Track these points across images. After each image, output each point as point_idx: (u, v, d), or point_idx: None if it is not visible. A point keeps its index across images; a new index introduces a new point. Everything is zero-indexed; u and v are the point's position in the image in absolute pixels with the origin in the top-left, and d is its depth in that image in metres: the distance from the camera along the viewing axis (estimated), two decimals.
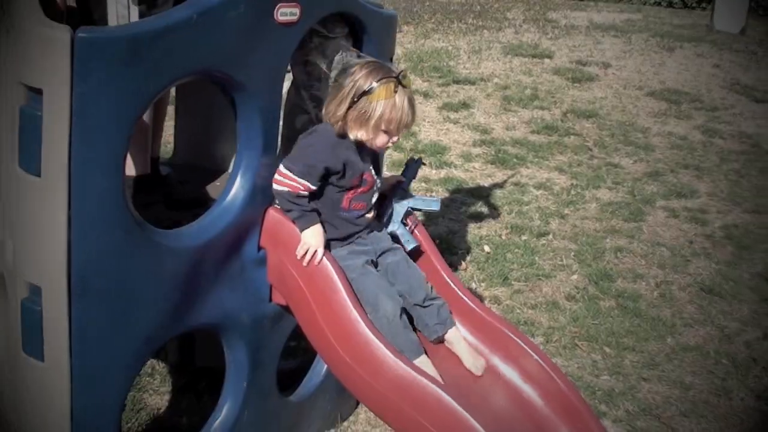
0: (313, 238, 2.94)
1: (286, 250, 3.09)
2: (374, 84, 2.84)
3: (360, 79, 2.87)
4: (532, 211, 6.71)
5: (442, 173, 7.30)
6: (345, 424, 4.01)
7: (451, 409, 2.97)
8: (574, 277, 5.72)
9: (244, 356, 3.19)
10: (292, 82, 3.58)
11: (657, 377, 4.67)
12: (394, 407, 3.09)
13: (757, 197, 7.44)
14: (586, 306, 5.32)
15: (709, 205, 7.22)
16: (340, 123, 2.93)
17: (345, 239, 3.09)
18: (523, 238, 6.23)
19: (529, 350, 3.57)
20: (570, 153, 8.09)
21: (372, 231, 3.18)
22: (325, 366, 3.68)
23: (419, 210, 3.39)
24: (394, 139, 2.98)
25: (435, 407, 2.99)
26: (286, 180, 2.91)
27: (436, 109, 9.25)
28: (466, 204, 6.77)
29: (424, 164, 3.60)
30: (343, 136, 2.96)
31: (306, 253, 2.92)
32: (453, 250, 5.89)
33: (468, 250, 6.00)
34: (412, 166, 3.41)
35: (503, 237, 6.25)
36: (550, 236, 6.32)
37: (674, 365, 4.80)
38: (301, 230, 2.94)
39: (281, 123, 3.29)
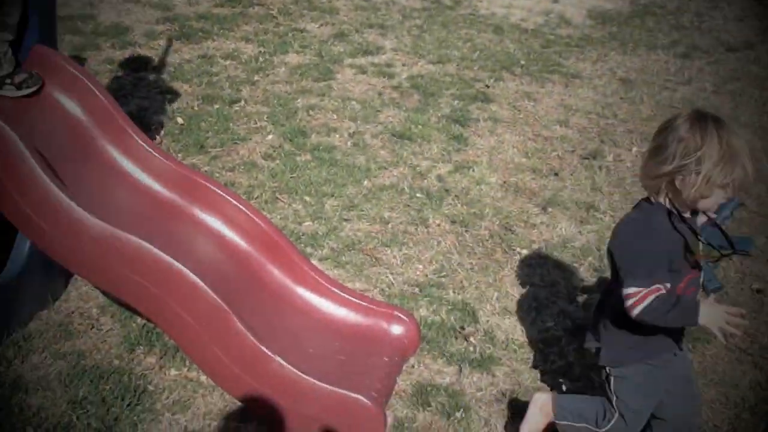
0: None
1: None
2: None
3: None
4: (222, 81, 6.53)
5: (127, 53, 6.89)
6: (57, 303, 3.75)
7: (155, 258, 2.93)
8: (270, 137, 5.67)
9: None
10: None
11: (357, 216, 4.77)
12: (100, 265, 3.02)
13: (440, 49, 7.72)
14: (283, 162, 5.30)
15: (394, 60, 7.39)
16: None
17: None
18: (216, 106, 6.06)
19: (229, 198, 3.53)
20: (255, 23, 7.92)
21: None
22: (28, 245, 3.46)
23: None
24: None
25: (137, 258, 2.96)
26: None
27: None
28: (154, 82, 6.46)
29: (743, 204, 3.01)
30: None
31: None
32: (146, 126, 5.59)
33: (161, 124, 5.74)
34: (728, 205, 2.76)
35: (195, 108, 6.05)
36: (242, 102, 6.19)
37: (372, 204, 4.92)
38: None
39: None
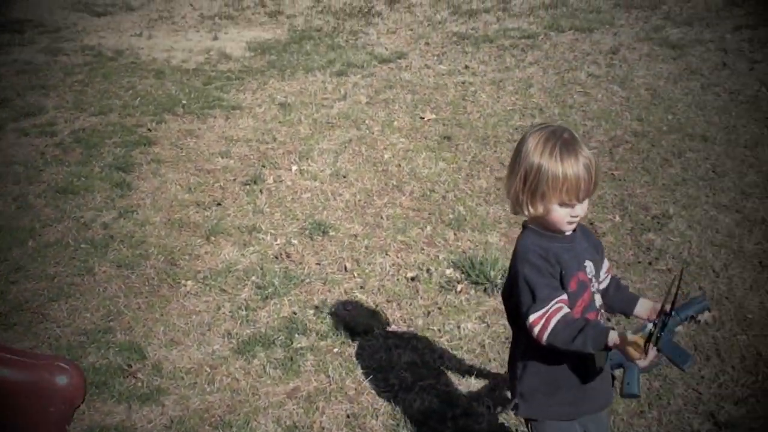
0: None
1: None
2: None
3: None
4: None
5: None
6: None
7: None
8: None
9: None
10: None
11: (24, 277, 4.81)
12: None
13: (102, 100, 7.79)
14: None
15: (57, 117, 7.38)
16: None
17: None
18: None
19: None
20: None
21: None
22: None
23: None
24: None
25: None
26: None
27: None
28: None
29: (710, 311, 2.71)
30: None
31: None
32: None
33: None
34: (698, 303, 2.61)
35: None
36: None
37: (38, 263, 4.94)
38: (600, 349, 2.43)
39: None
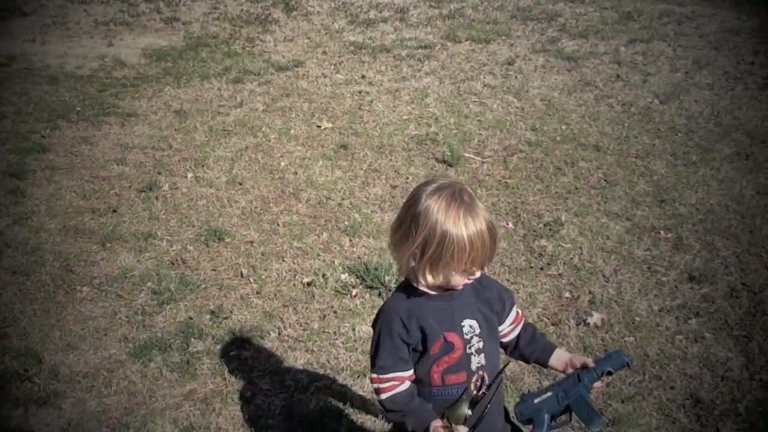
0: None
1: None
2: None
3: None
4: None
5: None
6: None
7: None
8: None
9: None
10: None
11: None
12: None
13: None
14: None
15: None
16: None
17: None
18: None
19: None
20: None
21: None
22: None
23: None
24: None
25: None
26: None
27: None
28: None
29: (630, 366, 2.45)
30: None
31: None
32: None
33: None
34: (616, 359, 2.43)
35: None
36: None
37: None
38: None
39: None
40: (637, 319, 4.50)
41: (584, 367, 2.44)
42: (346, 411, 3.81)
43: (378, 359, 2.40)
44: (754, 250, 5.23)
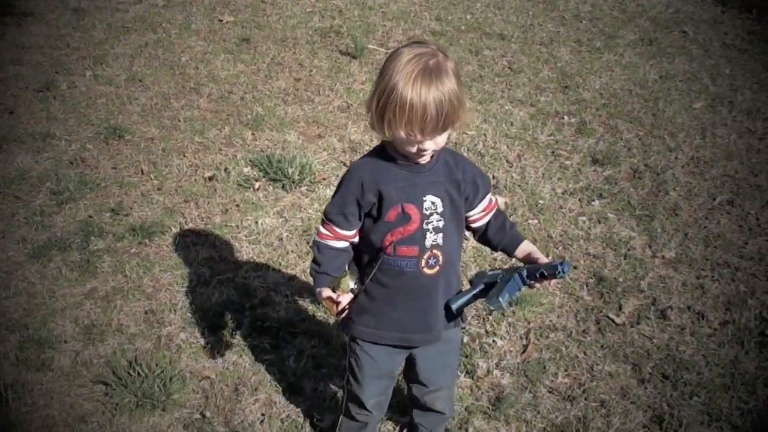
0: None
1: None
2: None
3: None
4: None
5: None
6: None
7: None
8: None
9: None
10: None
11: None
12: None
13: None
14: None
15: None
16: None
17: None
18: None
19: None
20: None
21: None
22: None
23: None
24: None
25: None
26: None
27: None
28: None
29: (560, 277, 2.36)
30: None
31: None
32: None
33: None
34: (553, 267, 2.35)
35: None
36: None
37: None
38: None
39: None
40: (541, 202, 4.61)
41: (533, 263, 2.49)
42: (249, 303, 3.84)
43: (329, 206, 2.48)
44: (657, 132, 5.35)
